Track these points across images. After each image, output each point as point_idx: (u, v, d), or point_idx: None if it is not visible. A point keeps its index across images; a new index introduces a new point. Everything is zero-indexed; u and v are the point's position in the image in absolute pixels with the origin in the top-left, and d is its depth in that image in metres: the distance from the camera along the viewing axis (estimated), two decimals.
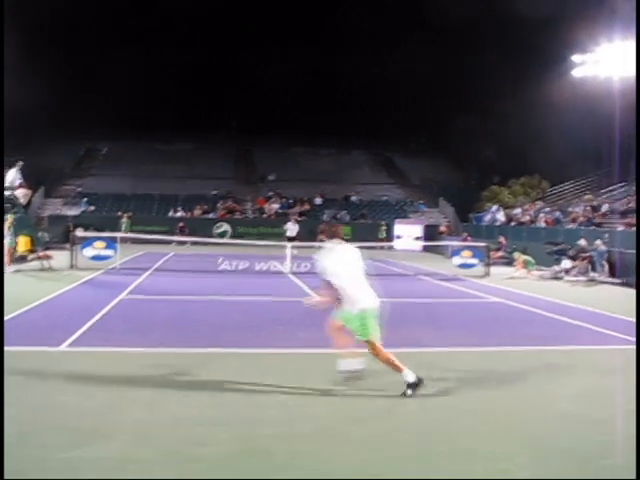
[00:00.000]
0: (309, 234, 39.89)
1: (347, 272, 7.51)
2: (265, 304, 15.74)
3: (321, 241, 7.88)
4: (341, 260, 7.57)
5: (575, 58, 37.93)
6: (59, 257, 22.80)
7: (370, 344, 7.49)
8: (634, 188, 36.22)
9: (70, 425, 6.24)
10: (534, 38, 43.52)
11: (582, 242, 24.34)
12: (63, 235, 33.81)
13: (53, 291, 15.62)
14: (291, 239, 31.49)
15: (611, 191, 37.50)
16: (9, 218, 22.03)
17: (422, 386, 7.37)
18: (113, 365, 8.64)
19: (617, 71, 35.49)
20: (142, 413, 6.64)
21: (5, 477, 4.91)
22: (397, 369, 7.43)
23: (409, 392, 7.32)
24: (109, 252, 23.20)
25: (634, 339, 11.13)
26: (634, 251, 22.75)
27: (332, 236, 7.80)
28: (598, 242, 23.48)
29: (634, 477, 5.22)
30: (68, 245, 24.27)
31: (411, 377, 7.36)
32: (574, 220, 33.09)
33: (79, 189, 49.26)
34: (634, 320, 13.31)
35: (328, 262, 7.60)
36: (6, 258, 20.74)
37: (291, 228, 34.55)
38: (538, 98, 40.75)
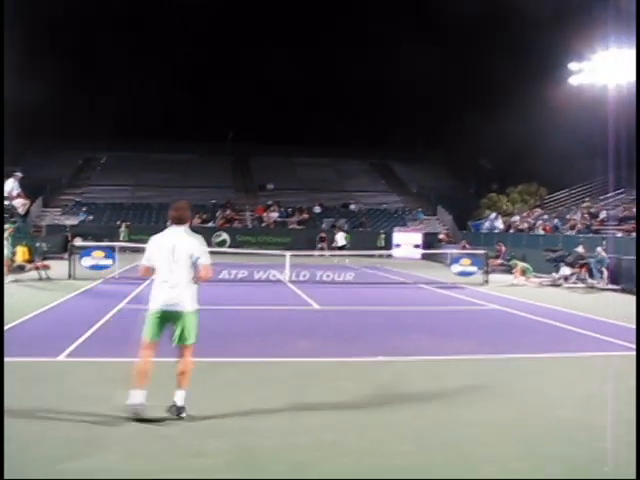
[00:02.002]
0: (307, 243, 40.20)
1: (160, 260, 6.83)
2: (264, 313, 15.73)
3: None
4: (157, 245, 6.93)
5: (572, 66, 38.05)
6: (57, 267, 22.77)
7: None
8: (632, 195, 36.33)
9: (68, 436, 6.21)
10: (531, 46, 43.69)
11: (580, 249, 24.34)
12: (61, 245, 33.79)
13: (51, 301, 15.59)
14: (340, 248, 35.44)
15: (609, 198, 37.56)
16: (8, 228, 22.00)
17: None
18: (112, 375, 8.61)
19: (613, 79, 35.60)
20: (140, 424, 6.61)
21: (5, 477, 4.91)
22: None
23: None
24: (108, 261, 23.16)
25: (633, 345, 11.14)
26: (633, 257, 22.81)
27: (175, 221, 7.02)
28: (599, 249, 23.48)
29: (634, 477, 5.22)
30: (66, 255, 24.25)
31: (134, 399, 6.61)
32: (572, 227, 33.14)
33: (78, 199, 49.31)
34: (633, 327, 13.33)
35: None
36: (5, 268, 20.70)
37: (340, 238, 37.28)
38: (536, 106, 40.83)
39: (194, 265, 6.82)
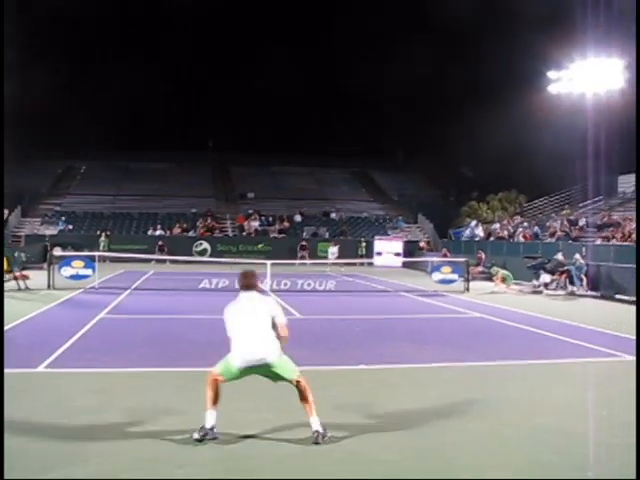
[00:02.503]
0: (288, 251, 40.16)
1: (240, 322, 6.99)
2: None
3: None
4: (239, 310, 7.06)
5: (551, 74, 38.40)
6: (37, 277, 22.60)
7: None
8: (610, 202, 36.72)
9: (49, 448, 6.17)
10: (511, 54, 43.99)
11: (559, 256, 24.49)
12: (41, 255, 33.52)
13: (31, 311, 15.45)
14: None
15: (588, 205, 37.90)
16: None
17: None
18: (93, 385, 8.56)
19: (591, 87, 35.97)
20: (121, 434, 6.57)
21: (5, 477, 4.86)
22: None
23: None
24: (87, 271, 23.00)
25: (613, 351, 11.22)
26: (611, 264, 23.04)
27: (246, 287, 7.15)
28: (577, 256, 23.65)
29: (634, 477, 5.25)
30: (46, 265, 24.07)
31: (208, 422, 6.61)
32: (552, 234, 33.36)
33: (57, 208, 48.96)
34: (613, 333, 13.45)
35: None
36: None
37: (333, 252, 37.75)
38: (516, 114, 41.12)
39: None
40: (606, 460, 5.86)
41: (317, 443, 6.39)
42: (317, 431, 6.50)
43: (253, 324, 6.80)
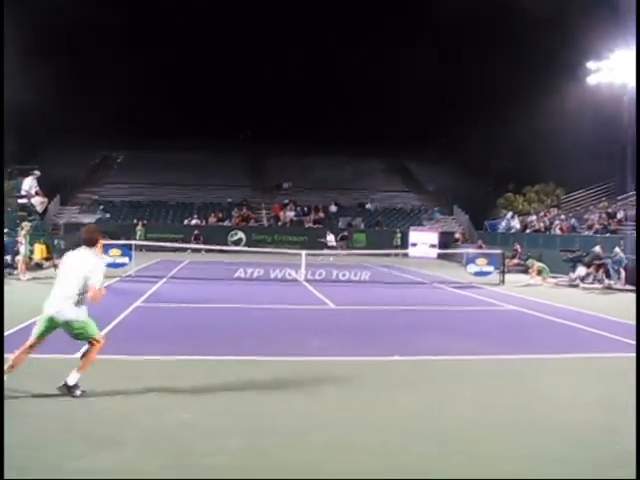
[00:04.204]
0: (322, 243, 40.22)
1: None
2: (279, 312, 15.75)
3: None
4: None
5: (590, 65, 37.82)
6: None
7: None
8: None
9: (83, 433, 6.26)
10: (549, 45, 43.41)
11: (597, 249, 24.18)
12: (79, 243, 33.96)
13: None
14: (332, 248, 37.29)
15: (626, 198, 37.30)
16: (25, 226, 22.16)
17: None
18: (127, 373, 8.67)
19: (632, 78, 35.34)
20: (154, 421, 6.65)
21: (5, 477, 4.94)
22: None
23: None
24: (124, 259, 23.27)
25: None
26: None
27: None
28: (617, 249, 23.33)
29: (634, 477, 5.19)
30: None
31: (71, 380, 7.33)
32: (590, 227, 32.94)
33: (95, 197, 49.64)
34: None
35: None
36: (22, 266, 20.85)
37: (330, 240, 38.89)
38: (553, 105, 40.62)
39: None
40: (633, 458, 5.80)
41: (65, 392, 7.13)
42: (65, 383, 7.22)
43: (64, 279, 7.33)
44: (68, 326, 7.31)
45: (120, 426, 6.47)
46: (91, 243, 7.70)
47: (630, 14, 29.89)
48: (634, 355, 10.68)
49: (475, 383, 8.68)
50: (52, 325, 7.35)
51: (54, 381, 7.45)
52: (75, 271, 7.33)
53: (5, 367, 7.10)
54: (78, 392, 7.25)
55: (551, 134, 44.67)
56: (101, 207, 46.98)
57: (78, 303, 7.31)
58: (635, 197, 31.71)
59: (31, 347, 7.40)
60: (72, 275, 7.32)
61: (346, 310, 16.19)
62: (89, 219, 44.22)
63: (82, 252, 7.56)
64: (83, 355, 7.47)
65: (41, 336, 7.40)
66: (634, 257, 23.34)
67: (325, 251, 35.42)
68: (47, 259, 23.79)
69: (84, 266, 7.35)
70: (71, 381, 7.24)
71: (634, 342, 11.75)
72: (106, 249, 23.54)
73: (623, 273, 22.77)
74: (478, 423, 6.93)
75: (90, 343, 7.43)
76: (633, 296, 20.76)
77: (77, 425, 6.49)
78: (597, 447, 6.24)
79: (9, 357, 7.28)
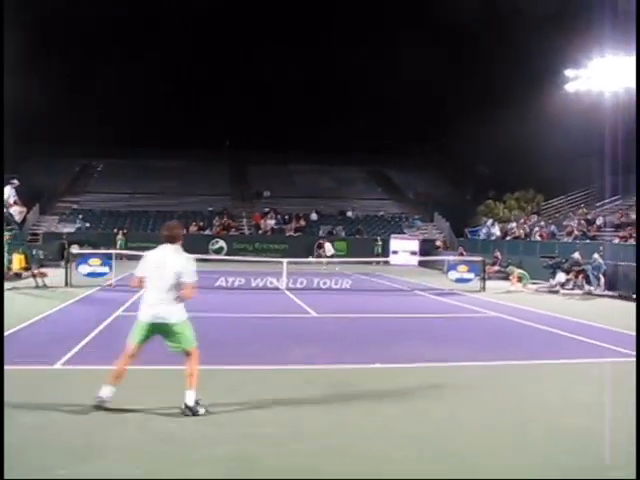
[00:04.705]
0: (305, 249, 40.17)
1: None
2: (261, 320, 15.69)
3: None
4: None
5: (568, 73, 38.17)
6: (54, 274, 22.75)
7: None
8: (628, 201, 36.41)
9: (64, 444, 6.19)
10: (528, 52, 43.77)
11: (576, 255, 24.35)
12: (58, 252, 33.73)
13: (48, 309, 15.56)
14: (330, 257, 36.95)
15: (605, 204, 37.65)
16: (5, 236, 21.95)
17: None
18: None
19: (609, 86, 35.73)
20: (137, 432, 6.60)
21: (5, 477, 4.89)
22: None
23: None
24: (104, 269, 23.09)
25: (630, 352, 11.13)
26: (629, 263, 22.84)
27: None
28: (595, 255, 23.50)
29: (634, 477, 5.21)
30: (63, 262, 24.19)
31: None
32: (569, 234, 33.15)
33: (74, 206, 49.25)
34: (631, 333, 13.33)
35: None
36: None
37: (329, 248, 38.83)
38: (533, 112, 40.90)
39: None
40: (623, 461, 5.81)
41: (189, 414, 6.95)
42: (185, 404, 7.03)
43: (155, 281, 7.17)
44: (168, 329, 7.17)
45: (103, 437, 6.40)
46: (174, 239, 7.43)
47: (609, 22, 30.26)
48: (616, 360, 10.77)
49: (457, 390, 8.67)
50: (152, 330, 7.21)
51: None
52: (165, 271, 7.15)
53: (109, 380, 7.06)
54: (202, 410, 7.10)
55: (530, 141, 44.96)
56: (81, 216, 46.62)
57: (175, 303, 7.16)
58: (635, 202, 31.89)
59: (132, 356, 7.30)
60: (164, 275, 7.14)
61: (328, 318, 16.17)
62: (68, 228, 43.96)
63: (167, 250, 7.34)
64: (188, 373, 7.25)
65: (141, 343, 7.28)
66: (613, 263, 23.53)
67: (324, 259, 35.61)
68: (26, 269, 23.56)
69: (174, 264, 7.19)
70: (190, 401, 7.05)
71: (615, 347, 11.84)
72: (85, 259, 23.40)
73: (602, 279, 22.93)
74: (461, 429, 6.93)
75: (186, 354, 7.27)
76: (613, 302, 20.94)
77: (58, 436, 6.42)
78: (581, 453, 6.26)
79: (112, 370, 7.20)
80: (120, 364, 7.22)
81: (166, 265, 7.16)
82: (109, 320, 14.13)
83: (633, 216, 32.41)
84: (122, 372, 7.18)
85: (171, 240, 7.39)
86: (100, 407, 6.97)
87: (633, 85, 34.63)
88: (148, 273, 7.30)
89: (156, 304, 7.13)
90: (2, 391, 6.67)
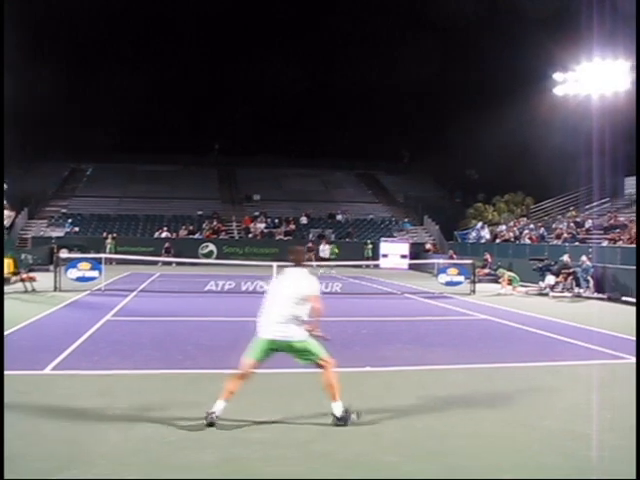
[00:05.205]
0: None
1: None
2: (252, 324, 15.62)
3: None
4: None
5: (556, 76, 38.33)
6: (43, 279, 22.64)
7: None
8: (616, 204, 36.63)
9: (52, 450, 6.17)
10: (516, 57, 43.97)
11: (565, 258, 24.42)
12: (47, 256, 33.59)
13: (37, 313, 15.48)
14: (325, 260, 36.34)
15: (594, 207, 37.81)
16: None
17: None
18: (98, 388, 8.56)
19: (597, 89, 35.91)
20: (125, 437, 6.57)
21: (5, 477, 4.86)
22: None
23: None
24: (94, 273, 22.96)
25: (620, 353, 11.18)
26: (618, 266, 22.97)
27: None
28: (584, 258, 23.58)
29: (634, 477, 5.22)
30: (52, 267, 24.08)
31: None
32: (558, 236, 33.28)
33: (63, 210, 49.05)
34: (619, 335, 13.40)
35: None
36: None
37: (325, 250, 38.32)
38: (522, 116, 41.09)
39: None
40: (612, 462, 5.83)
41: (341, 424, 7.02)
42: (334, 415, 7.13)
43: (278, 301, 7.37)
44: (290, 347, 7.35)
45: (88, 443, 6.37)
46: (299, 262, 7.71)
47: (597, 27, 30.41)
48: (605, 362, 10.81)
49: (447, 393, 8.69)
50: (272, 347, 7.37)
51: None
52: (291, 291, 7.33)
53: (224, 395, 7.06)
54: (354, 416, 7.18)
55: (520, 144, 45.17)
56: (69, 220, 46.43)
57: (297, 323, 7.33)
58: (635, 205, 32.07)
59: (246, 375, 7.34)
60: (289, 295, 7.34)
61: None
62: (57, 233, 43.76)
63: (294, 272, 7.58)
64: (328, 385, 7.33)
65: (260, 360, 7.37)
66: (602, 265, 23.62)
67: (323, 263, 35.36)
68: (14, 274, 23.42)
69: (300, 285, 7.39)
70: (338, 412, 7.12)
71: (604, 349, 11.88)
72: (74, 263, 23.28)
73: (591, 281, 23.01)
74: (451, 433, 6.93)
75: (319, 365, 7.40)
76: (601, 304, 21.01)
77: (43, 443, 6.39)
78: (569, 455, 6.27)
79: (226, 385, 7.20)
80: (234, 381, 7.25)
81: (293, 286, 7.38)
82: (99, 325, 14.09)
83: (621, 219, 32.62)
84: (237, 387, 7.21)
85: (297, 263, 7.68)
86: (212, 424, 6.86)
87: (621, 88, 34.89)
88: (274, 292, 7.59)
89: (278, 322, 7.37)
90: (2, 391, 6.64)
